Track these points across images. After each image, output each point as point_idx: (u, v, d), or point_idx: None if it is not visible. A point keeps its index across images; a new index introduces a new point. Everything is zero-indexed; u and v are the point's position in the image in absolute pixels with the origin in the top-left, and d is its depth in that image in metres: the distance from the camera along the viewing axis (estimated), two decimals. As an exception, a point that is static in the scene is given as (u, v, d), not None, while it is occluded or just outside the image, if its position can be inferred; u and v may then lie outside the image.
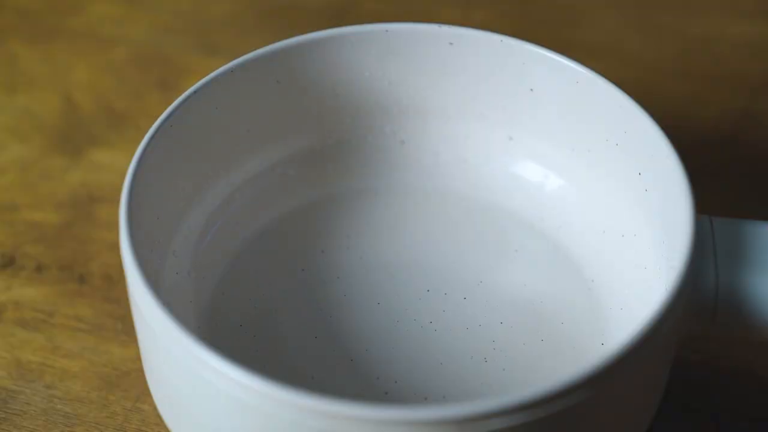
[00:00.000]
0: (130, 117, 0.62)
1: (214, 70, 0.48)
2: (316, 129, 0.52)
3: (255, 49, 0.49)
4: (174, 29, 0.67)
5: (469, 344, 0.47)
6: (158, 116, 0.46)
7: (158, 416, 0.48)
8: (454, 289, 0.49)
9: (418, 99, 0.52)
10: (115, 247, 0.55)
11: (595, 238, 0.50)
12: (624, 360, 0.38)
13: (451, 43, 0.50)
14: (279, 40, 0.50)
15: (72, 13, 0.68)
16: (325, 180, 0.53)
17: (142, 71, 0.64)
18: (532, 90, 0.50)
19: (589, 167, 0.50)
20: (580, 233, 0.50)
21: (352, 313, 0.48)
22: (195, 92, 0.47)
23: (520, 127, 0.52)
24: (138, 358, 0.50)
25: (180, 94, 0.47)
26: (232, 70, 0.48)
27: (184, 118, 0.47)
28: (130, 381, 0.50)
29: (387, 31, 0.50)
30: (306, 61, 0.50)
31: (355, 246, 0.51)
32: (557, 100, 0.50)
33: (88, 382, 0.50)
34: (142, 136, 0.45)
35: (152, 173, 0.45)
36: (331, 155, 0.53)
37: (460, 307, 0.48)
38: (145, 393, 0.49)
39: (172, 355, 0.40)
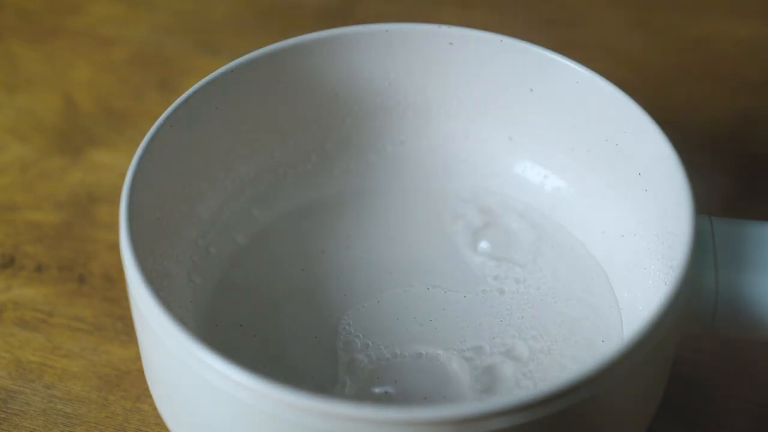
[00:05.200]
0: (130, 117, 0.62)
1: (214, 70, 0.48)
2: (316, 129, 0.52)
3: (255, 49, 0.49)
4: (174, 29, 0.67)
5: (469, 343, 0.47)
6: (158, 116, 0.46)
7: (158, 416, 0.48)
8: (454, 287, 0.49)
9: (418, 99, 0.52)
10: (115, 247, 0.55)
11: (594, 238, 0.50)
12: (624, 360, 0.38)
13: (451, 43, 0.50)
14: (279, 40, 0.50)
15: (72, 13, 0.68)
16: (325, 180, 0.53)
17: (142, 71, 0.64)
18: (532, 90, 0.50)
19: (589, 167, 0.50)
20: (579, 233, 0.50)
21: (352, 312, 0.48)
22: (195, 92, 0.47)
23: (520, 127, 0.52)
24: (138, 358, 0.50)
25: (180, 94, 0.47)
26: (232, 70, 0.48)
27: (184, 118, 0.47)
28: (130, 381, 0.50)
29: (387, 31, 0.50)
30: (306, 61, 0.50)
31: (355, 246, 0.51)
32: (557, 100, 0.50)
33: (88, 382, 0.50)
34: (142, 136, 0.45)
35: (152, 173, 0.45)
36: (331, 155, 0.53)
37: (461, 305, 0.48)
38: (145, 393, 0.49)
39: (172, 355, 0.40)
